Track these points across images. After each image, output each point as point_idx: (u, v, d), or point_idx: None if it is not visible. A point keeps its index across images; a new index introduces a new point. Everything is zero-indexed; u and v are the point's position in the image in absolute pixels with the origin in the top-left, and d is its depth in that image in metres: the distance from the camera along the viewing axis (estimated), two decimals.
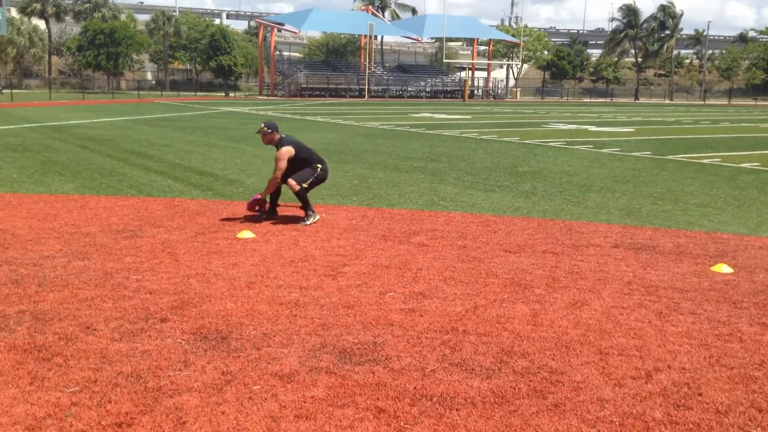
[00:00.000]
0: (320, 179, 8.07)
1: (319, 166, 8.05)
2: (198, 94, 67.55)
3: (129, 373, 3.78)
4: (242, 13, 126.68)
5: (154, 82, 79.97)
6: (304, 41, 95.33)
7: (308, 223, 7.81)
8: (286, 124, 25.46)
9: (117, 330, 4.42)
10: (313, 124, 25.94)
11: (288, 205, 8.45)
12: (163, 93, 65.91)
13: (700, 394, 3.67)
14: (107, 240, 6.87)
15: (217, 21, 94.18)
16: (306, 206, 7.92)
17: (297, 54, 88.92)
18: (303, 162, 7.96)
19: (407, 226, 7.87)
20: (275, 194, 8.17)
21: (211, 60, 68.62)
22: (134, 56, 71.50)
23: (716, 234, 7.68)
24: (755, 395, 3.67)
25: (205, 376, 3.75)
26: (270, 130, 7.96)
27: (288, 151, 7.86)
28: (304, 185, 7.84)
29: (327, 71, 71.79)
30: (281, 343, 4.26)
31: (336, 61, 78.34)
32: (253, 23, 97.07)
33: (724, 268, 6.15)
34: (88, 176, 11.33)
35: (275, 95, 66.91)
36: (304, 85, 67.05)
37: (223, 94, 67.98)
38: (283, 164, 7.83)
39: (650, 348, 4.31)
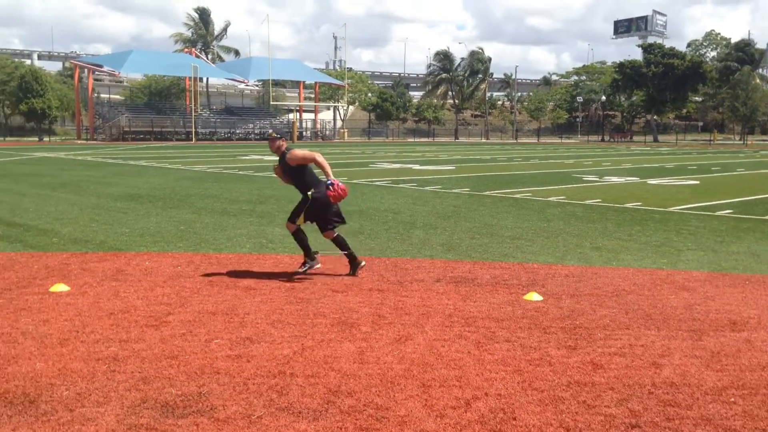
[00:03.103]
0: (311, 210, 7.41)
1: (310, 194, 7.40)
2: (7, 139, 62.98)
3: None
4: (55, 53, 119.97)
5: None
6: (125, 83, 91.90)
7: (304, 270, 7.39)
8: (108, 169, 24.32)
9: None
10: (137, 169, 24.95)
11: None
12: None
13: (515, 419, 3.88)
14: None
15: (27, 62, 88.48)
16: (305, 248, 7.49)
17: (118, 96, 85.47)
18: (306, 181, 7.43)
19: (235, 270, 7.75)
20: (303, 236, 7.50)
21: (22, 103, 64.18)
22: None
23: (528, 264, 8.22)
24: (563, 415, 3.94)
25: None
26: (279, 136, 7.53)
27: (302, 149, 7.55)
28: (297, 222, 7.41)
29: (151, 114, 69.52)
30: (97, 402, 4.02)
31: (160, 104, 76.10)
32: (67, 64, 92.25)
33: (534, 296, 6.59)
34: None
35: (95, 139, 63.76)
36: (127, 129, 64.44)
37: (37, 138, 63.76)
38: (308, 152, 7.40)
39: (469, 377, 4.51)
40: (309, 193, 7.42)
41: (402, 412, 3.95)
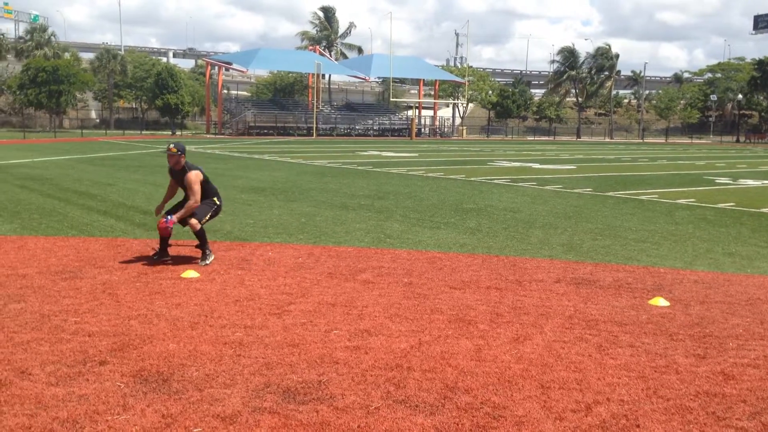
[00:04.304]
0: (216, 213, 8.06)
1: (216, 200, 8.01)
2: (144, 132, 66.85)
3: (65, 419, 3.68)
4: (189, 51, 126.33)
5: (98, 120, 78.82)
6: (252, 80, 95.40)
7: (207, 262, 7.62)
8: (234, 163, 25.35)
9: (53, 374, 4.30)
10: (260, 162, 25.88)
11: (180, 243, 8.26)
12: (108, 131, 65.01)
13: (638, 426, 3.75)
14: (45, 282, 6.71)
15: (163, 59, 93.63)
16: (204, 245, 7.76)
17: (244, 92, 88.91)
18: (205, 193, 7.86)
19: (353, 263, 7.89)
20: (168, 235, 7.91)
21: (158, 98, 68.02)
22: (78, 94, 70.42)
23: (653, 268, 7.90)
24: (691, 426, 3.77)
25: (145, 420, 3.68)
26: (180, 152, 7.84)
27: (198, 174, 7.76)
28: (203, 222, 7.75)
29: (275, 110, 71.84)
30: (224, 383, 4.21)
31: (284, 100, 78.51)
32: (200, 62, 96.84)
33: (660, 302, 6.32)
34: (27, 216, 11.06)
35: (223, 133, 66.59)
36: (252, 124, 66.92)
37: (170, 132, 67.36)
38: (198, 188, 7.70)
39: (590, 381, 4.39)
40: (215, 199, 7.98)
41: (520, 412, 3.90)
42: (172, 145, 7.86)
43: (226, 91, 78.23)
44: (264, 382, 4.24)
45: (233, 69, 75.30)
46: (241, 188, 16.02)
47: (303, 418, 3.75)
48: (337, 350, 4.88)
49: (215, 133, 67.09)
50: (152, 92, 69.22)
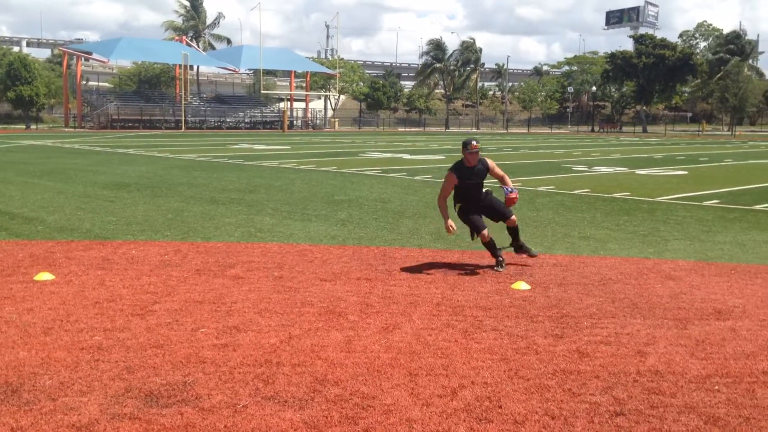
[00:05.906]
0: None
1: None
2: None
3: None
4: (44, 41, 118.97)
5: None
6: (114, 71, 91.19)
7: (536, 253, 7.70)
8: (96, 158, 24.17)
9: None
10: (125, 157, 24.81)
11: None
12: None
13: (500, 407, 3.88)
14: None
15: (15, 49, 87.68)
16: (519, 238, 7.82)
17: (107, 84, 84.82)
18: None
19: (223, 259, 7.71)
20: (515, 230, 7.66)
21: (9, 90, 63.63)
22: None
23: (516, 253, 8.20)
24: (548, 403, 3.94)
25: None
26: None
27: None
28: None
29: (140, 102, 69.06)
30: (80, 391, 3.99)
31: (149, 92, 75.60)
32: (56, 51, 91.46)
33: (522, 285, 6.59)
34: None
35: (83, 127, 63.32)
36: (115, 117, 64.02)
37: (24, 126, 63.29)
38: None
39: (456, 366, 4.51)
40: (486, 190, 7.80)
41: (388, 400, 3.94)
42: (475, 141, 7.19)
43: (85, 83, 74.36)
44: (124, 387, 4.05)
45: (93, 59, 71.66)
46: (103, 184, 15.29)
47: (166, 421, 3.62)
48: (204, 349, 4.75)
49: (75, 127, 63.65)
50: (3, 84, 64.66)
